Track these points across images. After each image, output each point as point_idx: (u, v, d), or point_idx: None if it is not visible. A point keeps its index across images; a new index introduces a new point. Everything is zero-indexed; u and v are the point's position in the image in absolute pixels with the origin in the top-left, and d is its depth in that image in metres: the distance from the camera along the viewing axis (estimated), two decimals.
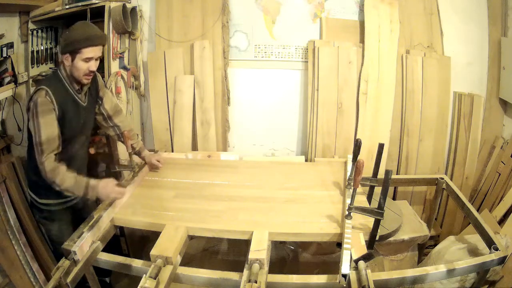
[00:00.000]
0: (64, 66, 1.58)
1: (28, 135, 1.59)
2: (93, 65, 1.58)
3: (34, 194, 1.68)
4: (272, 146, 2.70)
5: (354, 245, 1.35)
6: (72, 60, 1.54)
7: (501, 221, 2.06)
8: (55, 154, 1.51)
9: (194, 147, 2.51)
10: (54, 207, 1.68)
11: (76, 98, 1.63)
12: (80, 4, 2.16)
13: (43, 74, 2.34)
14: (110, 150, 2.34)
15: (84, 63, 1.54)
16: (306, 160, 2.47)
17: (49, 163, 1.48)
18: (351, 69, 2.40)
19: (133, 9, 2.34)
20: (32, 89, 2.32)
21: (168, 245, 1.37)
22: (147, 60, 2.50)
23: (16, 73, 2.16)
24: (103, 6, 2.15)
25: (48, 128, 1.48)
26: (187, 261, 1.46)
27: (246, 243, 1.46)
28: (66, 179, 1.51)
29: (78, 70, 1.55)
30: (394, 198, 2.55)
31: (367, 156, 2.34)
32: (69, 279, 1.28)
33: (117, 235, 1.90)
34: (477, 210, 2.10)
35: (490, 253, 1.51)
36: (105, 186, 1.59)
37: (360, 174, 1.44)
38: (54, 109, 1.50)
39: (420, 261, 2.23)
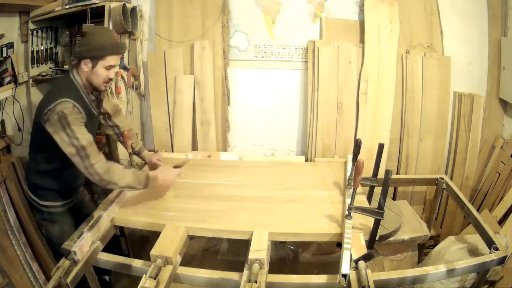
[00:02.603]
0: (80, 71, 1.54)
1: (35, 139, 1.57)
2: (112, 73, 1.57)
3: (34, 196, 1.66)
4: (272, 146, 2.70)
5: (354, 245, 1.35)
6: (93, 66, 1.51)
7: (501, 221, 2.06)
8: (102, 155, 1.46)
9: (194, 147, 2.51)
10: (55, 208, 1.67)
11: (92, 108, 1.61)
12: (80, 4, 2.16)
13: (43, 74, 2.34)
14: (110, 150, 2.34)
15: (105, 70, 1.53)
16: (306, 160, 2.47)
17: (101, 165, 1.42)
18: (351, 69, 2.40)
19: (133, 9, 2.34)
20: (32, 89, 2.33)
21: (168, 245, 1.37)
22: (147, 60, 2.50)
23: (16, 73, 2.15)
24: (103, 6, 2.15)
25: (84, 132, 1.43)
26: (187, 261, 1.46)
27: (246, 243, 1.46)
28: (125, 176, 1.48)
29: (98, 77, 1.53)
30: (394, 198, 2.55)
31: (367, 156, 2.34)
32: (69, 279, 1.28)
33: (117, 235, 1.89)
34: (477, 210, 2.10)
35: (490, 253, 1.51)
36: (166, 173, 1.66)
37: (360, 174, 1.44)
38: (83, 119, 1.47)
39: (420, 261, 2.23)
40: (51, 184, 1.63)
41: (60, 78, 1.65)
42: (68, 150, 1.41)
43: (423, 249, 2.29)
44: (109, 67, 1.53)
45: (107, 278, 2.06)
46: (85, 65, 1.52)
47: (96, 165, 1.41)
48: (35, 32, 2.28)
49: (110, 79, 1.57)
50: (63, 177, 1.65)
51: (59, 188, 1.66)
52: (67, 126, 1.39)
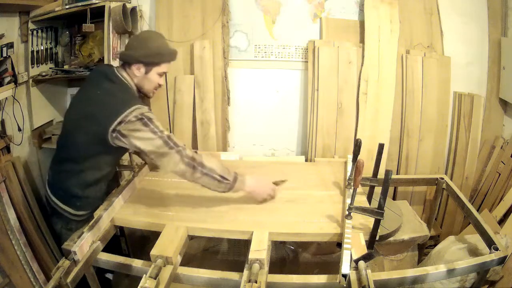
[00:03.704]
0: (133, 76, 1.51)
1: (88, 149, 1.47)
2: (163, 80, 1.57)
3: (68, 207, 1.57)
4: (272, 146, 2.71)
5: (354, 245, 1.35)
6: (147, 72, 1.49)
7: (501, 221, 2.06)
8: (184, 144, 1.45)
9: (194, 147, 2.51)
10: (85, 216, 1.61)
11: None
12: (80, 4, 2.16)
13: (43, 74, 2.34)
14: None
15: (158, 76, 1.52)
16: (306, 160, 2.46)
17: (188, 149, 1.42)
18: (351, 69, 2.40)
19: (133, 9, 2.34)
20: (32, 89, 2.33)
21: (168, 245, 1.37)
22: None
23: (16, 73, 2.15)
24: (103, 6, 2.15)
25: (163, 127, 1.43)
26: (187, 261, 1.46)
27: (246, 243, 1.46)
28: (215, 160, 1.45)
29: (150, 83, 1.52)
30: (394, 198, 2.55)
31: (367, 156, 2.34)
32: (69, 279, 1.28)
33: (117, 235, 1.89)
34: (477, 210, 2.10)
35: (490, 253, 1.51)
36: (260, 184, 1.52)
37: (360, 174, 1.44)
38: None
39: (420, 261, 2.23)
40: (95, 193, 1.61)
41: (105, 77, 1.51)
42: (154, 144, 1.37)
43: (423, 249, 2.29)
44: (161, 74, 1.52)
45: (110, 276, 2.06)
46: (138, 70, 1.49)
47: (186, 149, 1.40)
48: (35, 32, 2.28)
49: (160, 86, 1.56)
50: (106, 183, 1.66)
51: (99, 196, 1.65)
52: (150, 123, 1.38)
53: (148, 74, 1.50)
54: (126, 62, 1.52)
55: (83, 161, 1.52)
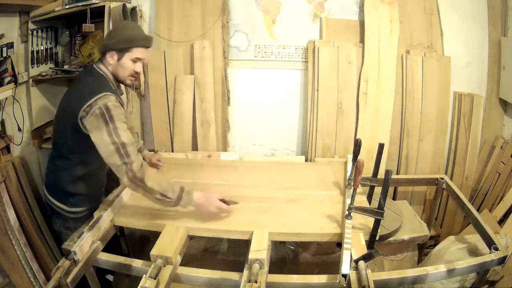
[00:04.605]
0: (106, 64, 1.53)
1: (68, 142, 1.50)
2: (139, 67, 1.55)
3: (62, 203, 1.59)
4: (272, 146, 2.70)
5: (354, 245, 1.35)
6: (119, 58, 1.50)
7: (501, 221, 2.07)
8: (141, 157, 1.42)
9: (194, 147, 2.51)
10: (81, 213, 1.62)
11: (122, 102, 1.58)
12: (80, 4, 2.16)
13: (43, 74, 2.34)
14: None
15: (132, 63, 1.52)
16: (306, 160, 2.47)
17: (138, 164, 1.37)
18: (351, 69, 2.40)
19: (133, 9, 2.34)
20: (32, 89, 2.33)
21: (168, 245, 1.37)
22: (147, 60, 2.49)
23: (16, 73, 2.15)
24: (103, 6, 2.15)
25: (126, 129, 1.40)
26: (187, 261, 1.46)
27: (246, 243, 1.46)
28: (159, 178, 1.42)
29: (124, 70, 1.52)
30: (394, 198, 2.55)
31: (367, 156, 2.34)
32: (69, 279, 1.28)
33: (117, 235, 1.89)
34: (477, 210, 2.10)
35: (490, 253, 1.51)
36: (206, 199, 1.48)
37: (360, 174, 1.44)
38: (124, 114, 1.43)
39: (420, 261, 2.23)
40: (85, 189, 1.61)
41: (85, 72, 1.57)
42: (106, 150, 1.36)
43: (423, 249, 2.29)
44: (135, 60, 1.52)
45: (110, 278, 2.06)
46: (111, 58, 1.51)
47: (134, 164, 1.36)
48: (35, 32, 2.28)
49: (137, 73, 1.56)
50: (98, 178, 1.65)
51: (91, 192, 1.65)
52: (110, 121, 1.35)
53: (121, 61, 1.51)
54: (103, 53, 1.54)
55: (70, 156, 1.54)
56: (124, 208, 1.67)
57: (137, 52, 1.52)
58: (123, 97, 2.30)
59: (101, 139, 1.36)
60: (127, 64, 1.52)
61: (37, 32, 2.30)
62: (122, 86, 2.29)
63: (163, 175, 1.45)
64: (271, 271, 1.35)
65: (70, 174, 1.57)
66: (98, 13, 2.16)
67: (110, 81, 1.54)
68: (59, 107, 1.60)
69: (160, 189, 1.40)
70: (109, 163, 1.39)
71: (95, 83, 1.48)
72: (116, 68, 1.53)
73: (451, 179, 2.44)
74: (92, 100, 1.36)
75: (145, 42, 1.56)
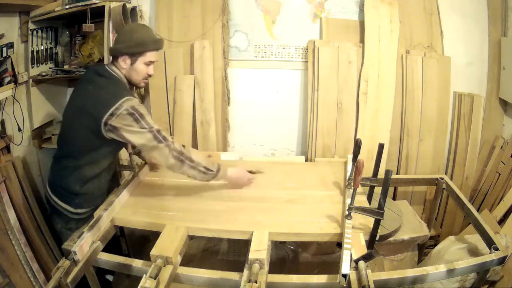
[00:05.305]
0: (119, 68, 1.54)
1: (82, 145, 1.51)
2: (151, 69, 1.58)
3: (67, 204, 1.59)
4: (272, 146, 2.70)
5: (354, 245, 1.35)
6: (132, 62, 1.52)
7: (501, 221, 2.06)
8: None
9: (194, 147, 2.51)
10: (85, 214, 1.63)
11: None
12: (80, 4, 2.16)
13: (43, 74, 2.34)
14: None
15: (145, 66, 1.54)
16: (306, 160, 2.47)
17: (177, 143, 1.51)
18: (351, 69, 2.40)
19: (133, 9, 2.34)
20: (32, 89, 2.33)
21: (168, 245, 1.37)
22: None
23: (16, 73, 2.15)
24: (103, 6, 2.15)
25: (154, 121, 1.49)
26: (187, 261, 1.46)
27: (246, 243, 1.46)
28: (199, 155, 1.56)
29: (138, 73, 1.54)
30: (394, 198, 2.55)
31: (367, 156, 2.34)
32: (69, 279, 1.28)
33: (117, 235, 1.89)
34: (477, 210, 2.10)
35: (490, 253, 1.51)
36: (239, 174, 1.71)
37: (360, 174, 1.44)
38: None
39: (420, 261, 2.23)
40: (93, 189, 1.62)
41: (98, 74, 1.55)
42: (144, 138, 1.45)
43: (423, 249, 2.29)
44: (148, 63, 1.54)
45: (110, 278, 2.06)
46: (124, 62, 1.52)
47: (175, 143, 1.49)
48: (35, 32, 2.28)
49: (150, 75, 1.58)
50: (104, 179, 1.66)
51: (97, 192, 1.66)
52: (141, 118, 1.43)
53: (134, 65, 1.53)
54: (114, 56, 1.56)
55: (81, 156, 1.54)
56: (124, 208, 1.67)
57: (150, 55, 1.53)
58: None
59: (135, 132, 1.44)
60: (140, 67, 1.53)
61: (37, 32, 2.30)
62: None
63: (199, 151, 1.59)
64: (271, 271, 1.34)
65: (80, 174, 1.56)
66: (98, 13, 2.17)
67: (126, 84, 1.56)
68: (70, 107, 1.59)
69: (203, 163, 1.56)
70: (149, 150, 1.48)
71: (114, 86, 1.51)
72: (130, 72, 1.54)
73: (451, 179, 2.44)
74: (118, 104, 1.41)
75: (158, 45, 1.57)
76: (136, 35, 1.51)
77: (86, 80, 1.59)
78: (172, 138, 1.52)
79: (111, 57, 1.58)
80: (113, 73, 1.54)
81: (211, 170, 1.60)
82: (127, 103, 1.41)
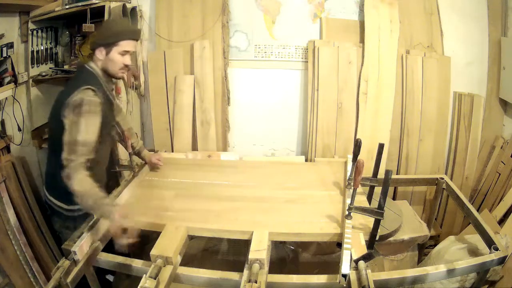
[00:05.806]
0: (96, 60, 1.55)
1: (57, 137, 1.47)
2: (128, 59, 1.57)
3: (60, 201, 1.60)
4: (272, 146, 2.70)
5: (354, 245, 1.35)
6: (107, 53, 1.52)
7: (501, 221, 2.07)
8: (86, 160, 1.38)
9: (194, 147, 2.51)
10: (80, 211, 1.60)
11: (110, 97, 1.61)
12: (80, 4, 2.16)
13: (43, 74, 2.34)
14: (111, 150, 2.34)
15: (120, 56, 1.53)
16: (306, 160, 2.47)
17: (75, 165, 1.34)
18: (351, 69, 2.40)
19: (133, 9, 2.34)
20: (32, 89, 2.33)
21: (168, 245, 1.37)
22: (147, 60, 2.50)
23: (16, 73, 2.16)
24: (103, 6, 2.15)
25: (90, 131, 1.40)
26: (187, 261, 1.46)
27: (246, 243, 1.46)
28: (88, 193, 1.34)
29: (114, 64, 1.54)
30: (394, 198, 2.55)
31: (367, 156, 2.34)
32: (69, 279, 1.28)
33: None
34: (477, 210, 2.10)
35: (490, 253, 1.51)
36: (116, 215, 1.37)
37: (360, 174, 1.44)
38: (100, 112, 1.44)
39: (420, 261, 2.23)
40: None
41: (77, 71, 1.64)
42: (66, 136, 1.38)
43: (423, 249, 2.29)
44: (123, 53, 1.54)
45: (110, 278, 2.06)
46: (100, 53, 1.53)
47: (73, 163, 1.34)
48: (35, 32, 2.28)
49: (126, 66, 1.58)
50: (98, 173, 1.61)
51: None
52: (79, 115, 1.38)
53: (109, 55, 1.53)
54: (93, 50, 1.57)
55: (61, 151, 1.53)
56: (124, 208, 1.66)
57: (124, 45, 1.53)
58: (123, 96, 2.31)
59: (66, 127, 1.39)
60: (115, 57, 1.53)
61: (37, 32, 2.30)
62: (122, 87, 2.31)
63: (101, 193, 1.36)
64: (271, 271, 1.35)
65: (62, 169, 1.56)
66: (98, 13, 2.17)
67: (99, 77, 1.56)
68: (52, 107, 1.62)
69: (81, 191, 1.34)
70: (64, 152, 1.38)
71: (78, 79, 1.52)
72: (106, 63, 1.55)
73: (451, 179, 2.44)
74: (72, 95, 1.40)
75: (131, 34, 1.58)
76: (111, 26, 1.55)
77: (70, 80, 1.64)
78: (84, 158, 1.36)
79: (91, 52, 1.59)
80: (89, 68, 1.55)
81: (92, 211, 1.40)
82: (81, 94, 1.39)
